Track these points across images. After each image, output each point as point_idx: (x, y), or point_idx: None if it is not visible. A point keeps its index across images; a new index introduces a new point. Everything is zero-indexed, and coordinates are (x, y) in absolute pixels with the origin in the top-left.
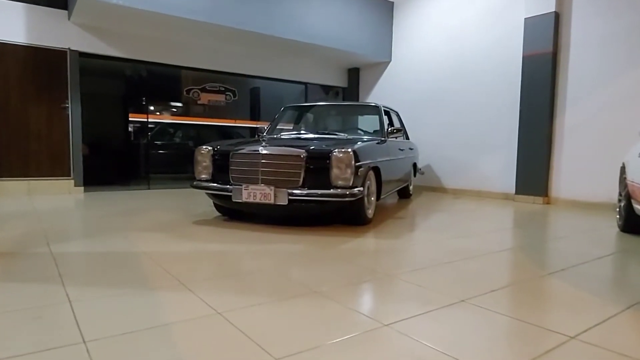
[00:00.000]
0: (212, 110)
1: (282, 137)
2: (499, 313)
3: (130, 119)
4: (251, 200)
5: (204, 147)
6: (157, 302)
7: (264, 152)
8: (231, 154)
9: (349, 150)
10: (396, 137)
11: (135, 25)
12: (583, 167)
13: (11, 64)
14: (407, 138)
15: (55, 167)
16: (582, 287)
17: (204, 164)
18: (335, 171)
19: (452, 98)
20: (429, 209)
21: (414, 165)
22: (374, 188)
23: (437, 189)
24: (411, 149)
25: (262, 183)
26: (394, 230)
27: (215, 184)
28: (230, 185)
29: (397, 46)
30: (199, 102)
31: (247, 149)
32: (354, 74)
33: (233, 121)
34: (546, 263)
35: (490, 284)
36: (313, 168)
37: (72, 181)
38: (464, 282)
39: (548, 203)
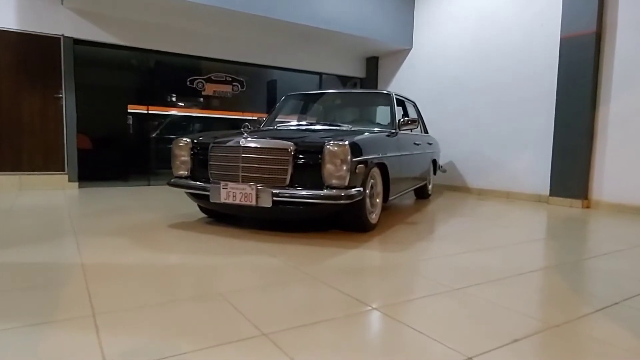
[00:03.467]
0: (218, 102)
1: (276, 128)
2: None
3: (129, 110)
4: (230, 201)
5: (183, 139)
6: (40, 347)
7: (246, 144)
8: (210, 146)
9: (345, 142)
10: (411, 130)
11: (133, 9)
12: (630, 165)
13: (1, 51)
14: (426, 131)
15: (48, 161)
16: None
17: (182, 158)
18: (328, 167)
19: (479, 88)
20: (448, 212)
21: (434, 161)
22: (380, 188)
23: (460, 188)
24: (430, 143)
25: (242, 181)
26: (401, 239)
27: (194, 182)
28: (209, 183)
29: (419, 32)
30: (203, 93)
31: (227, 141)
32: (372, 63)
33: (241, 113)
34: (591, 292)
35: (512, 328)
36: (303, 164)
37: (66, 176)
38: (476, 324)
39: (588, 207)
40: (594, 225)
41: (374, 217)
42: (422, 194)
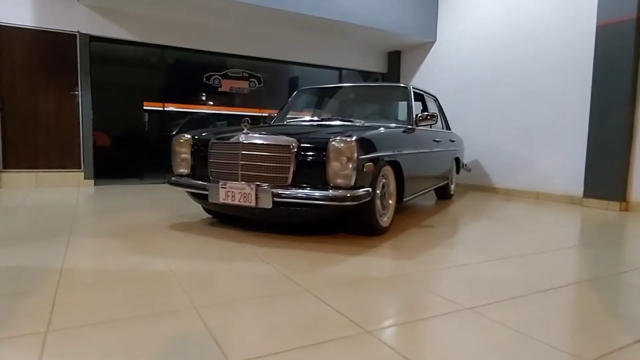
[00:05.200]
0: (235, 99)
1: (285, 124)
2: None
3: (145, 107)
4: (229, 201)
5: (183, 135)
6: None
7: (246, 141)
8: (210, 143)
9: (352, 139)
10: (430, 126)
11: (149, 5)
12: None
13: (17, 49)
14: (448, 128)
15: (64, 159)
16: None
17: (183, 155)
18: (333, 166)
19: (507, 81)
20: (471, 214)
21: (457, 160)
22: (393, 188)
23: (485, 188)
24: (452, 140)
25: (242, 180)
26: (414, 245)
27: (194, 181)
28: (209, 182)
29: (443, 23)
30: (220, 89)
31: (228, 138)
32: (394, 57)
33: (258, 110)
34: (632, 317)
35: None
36: (306, 162)
37: (82, 173)
38: (486, 358)
39: (626, 210)
40: (633, 231)
41: (385, 220)
42: (443, 194)
